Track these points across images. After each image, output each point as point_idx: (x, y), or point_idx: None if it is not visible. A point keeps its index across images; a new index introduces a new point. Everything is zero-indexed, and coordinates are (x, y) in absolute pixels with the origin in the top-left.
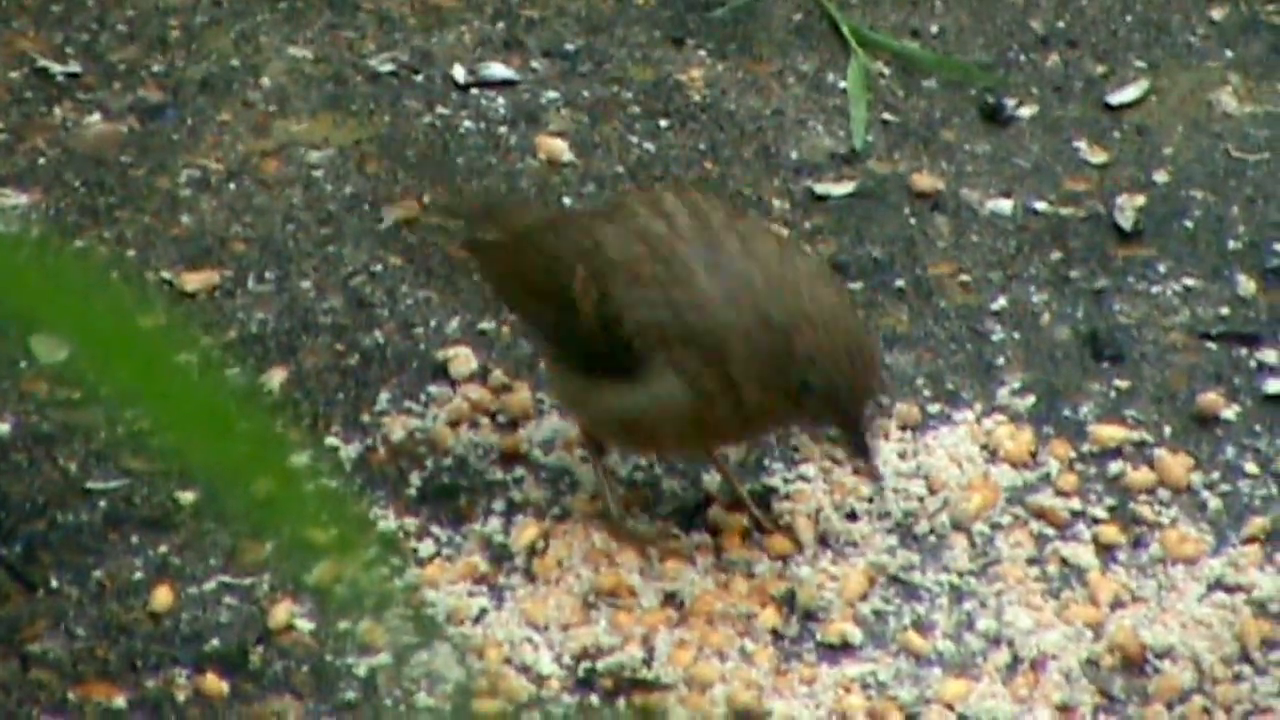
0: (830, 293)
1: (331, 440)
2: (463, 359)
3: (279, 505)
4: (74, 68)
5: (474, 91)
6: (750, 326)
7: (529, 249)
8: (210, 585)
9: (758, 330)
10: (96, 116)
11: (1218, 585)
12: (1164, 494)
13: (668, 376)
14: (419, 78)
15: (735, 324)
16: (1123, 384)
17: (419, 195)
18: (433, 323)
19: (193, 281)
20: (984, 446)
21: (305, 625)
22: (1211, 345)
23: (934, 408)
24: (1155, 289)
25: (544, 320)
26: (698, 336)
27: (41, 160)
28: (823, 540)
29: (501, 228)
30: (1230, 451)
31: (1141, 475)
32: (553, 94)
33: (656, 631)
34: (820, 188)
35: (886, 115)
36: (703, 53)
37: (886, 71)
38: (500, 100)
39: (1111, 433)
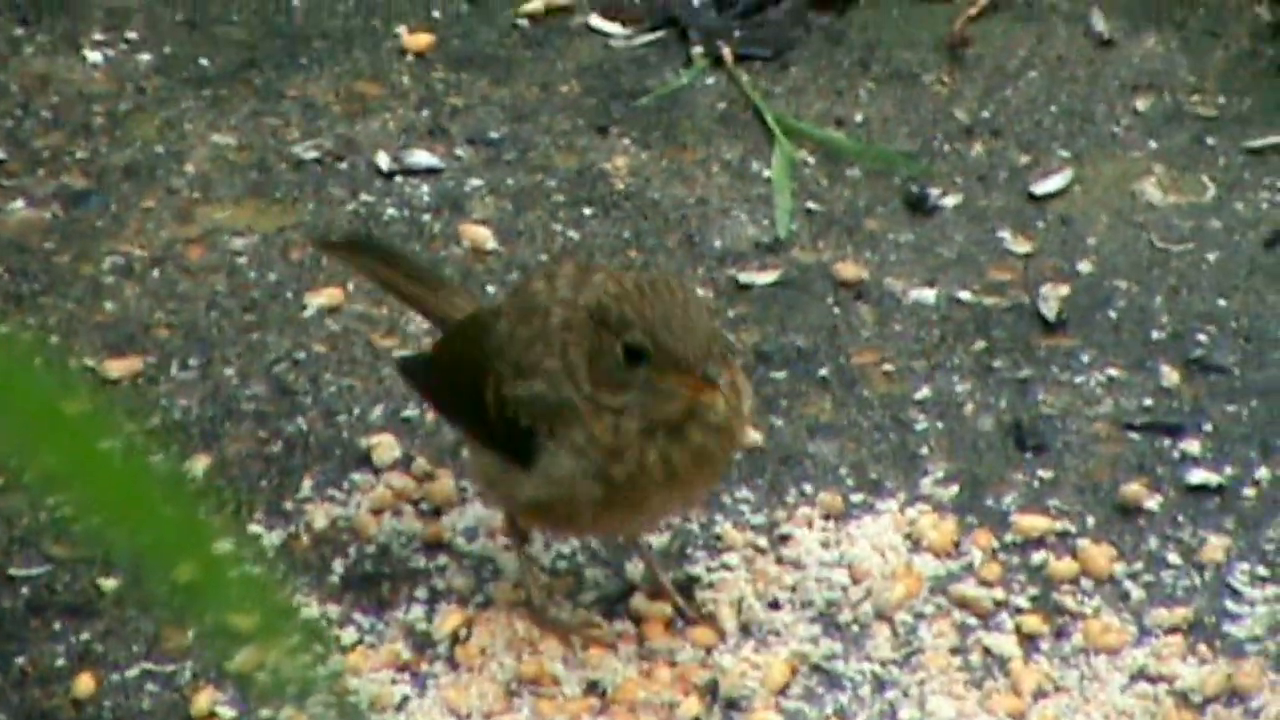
0: (652, 275)
1: (254, 527)
2: (386, 447)
3: (202, 592)
4: None
5: (398, 179)
6: (576, 324)
7: (446, 357)
8: (133, 672)
9: (580, 323)
10: (20, 203)
11: (1140, 676)
12: (1087, 584)
13: (559, 455)
14: (343, 165)
15: (569, 336)
16: (1046, 474)
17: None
18: (356, 411)
19: (116, 368)
20: (907, 536)
21: (228, 713)
22: (1135, 436)
23: (857, 497)
24: (1079, 379)
25: (463, 419)
26: (545, 376)
27: None
28: (745, 629)
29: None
30: (1153, 542)
31: (1064, 565)
32: (477, 182)
33: None
34: (744, 276)
35: (810, 204)
36: (627, 141)
37: (810, 160)
38: (424, 188)
39: (1034, 523)
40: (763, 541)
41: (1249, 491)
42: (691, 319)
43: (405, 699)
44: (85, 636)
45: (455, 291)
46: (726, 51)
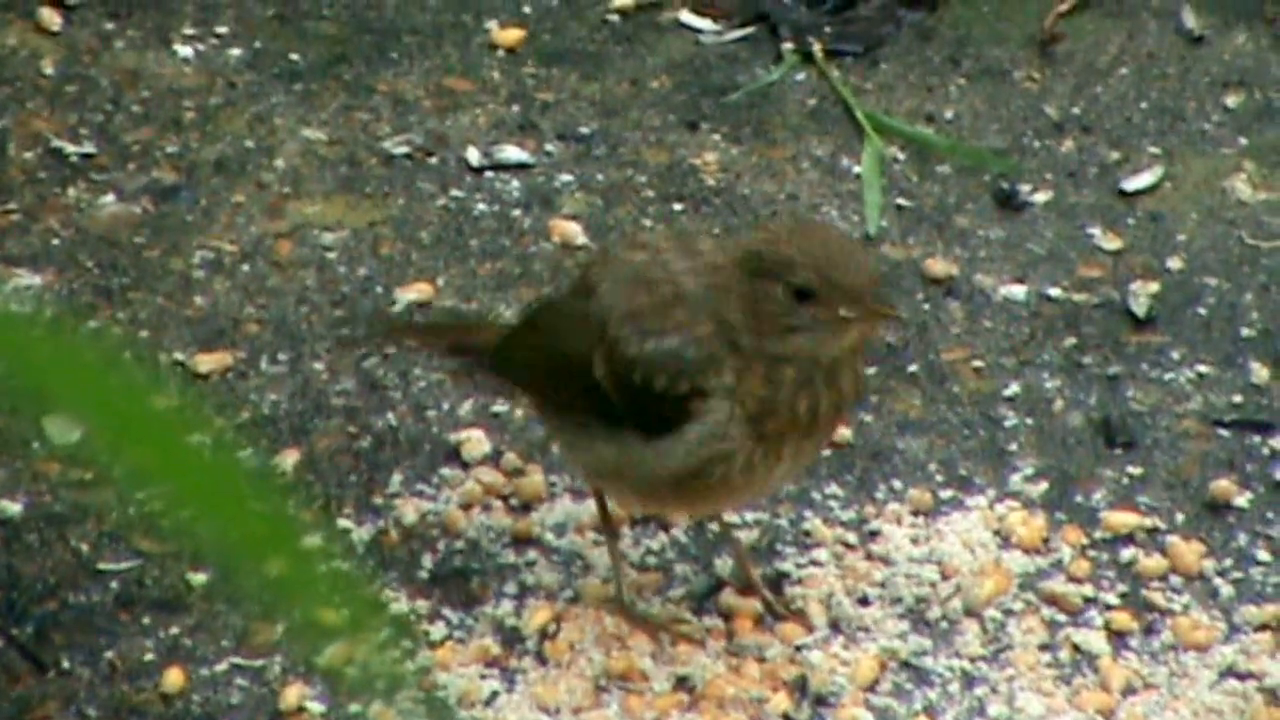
0: (799, 217)
1: (344, 522)
2: (475, 442)
3: (291, 587)
4: (88, 148)
5: (488, 174)
6: (731, 274)
7: (539, 344)
8: (221, 667)
9: (736, 273)
10: (110, 197)
11: (1229, 673)
12: (1176, 581)
13: (710, 405)
14: (433, 160)
15: (721, 285)
16: (1135, 470)
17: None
18: (445, 405)
19: (206, 363)
20: (996, 532)
21: (317, 707)
22: (1224, 432)
23: (947, 493)
24: (1168, 376)
25: (573, 411)
26: (697, 328)
27: (55, 241)
28: (834, 625)
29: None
30: (1242, 539)
31: (1154, 562)
32: (567, 177)
33: (668, 716)
34: None
35: (900, 200)
36: (717, 137)
37: (900, 156)
38: (514, 183)
39: (1124, 519)
40: (852, 537)
41: None
42: (850, 249)
43: (494, 694)
44: (174, 631)
45: (498, 328)
46: (817, 47)
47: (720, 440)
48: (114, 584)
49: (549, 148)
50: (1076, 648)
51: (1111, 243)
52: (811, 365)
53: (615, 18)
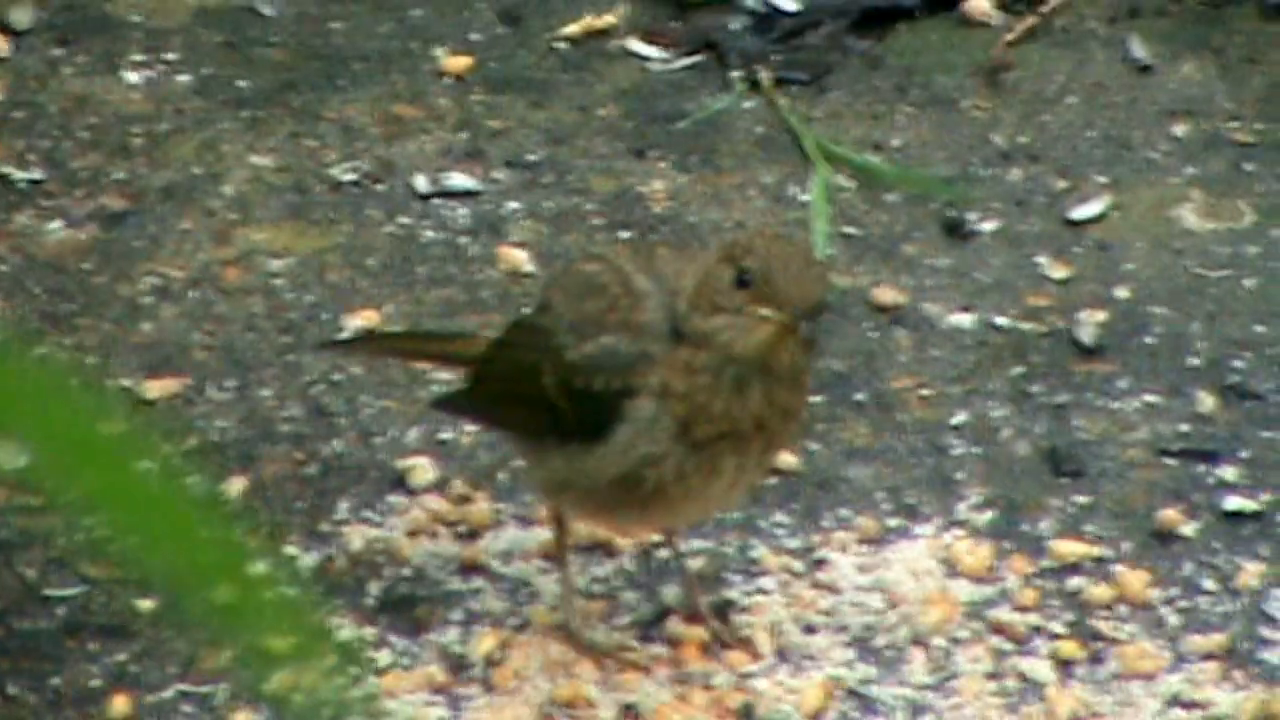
0: (796, 235)
1: (290, 549)
2: (422, 469)
3: (237, 614)
4: (36, 174)
5: (436, 201)
6: (686, 270)
7: (493, 370)
8: (168, 693)
9: (694, 268)
10: (58, 223)
11: (1175, 702)
12: (1123, 610)
13: (638, 404)
14: (381, 187)
15: (671, 286)
16: (1082, 500)
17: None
18: (392, 433)
19: (153, 389)
20: (943, 561)
21: None
22: (1171, 462)
23: (893, 521)
24: (1115, 405)
25: (524, 421)
26: (634, 322)
27: (3, 267)
28: (781, 653)
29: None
30: (1189, 568)
31: (1100, 591)
32: (514, 204)
33: None
34: None
35: (848, 228)
36: (665, 164)
37: (848, 185)
38: (462, 210)
39: (1071, 548)
40: (799, 565)
41: None
42: (809, 274)
43: None
44: (121, 657)
45: (475, 339)
46: (764, 75)
47: (648, 442)
48: (60, 610)
49: (497, 175)
50: (1023, 676)
51: (1059, 272)
52: (739, 369)
53: (563, 45)
